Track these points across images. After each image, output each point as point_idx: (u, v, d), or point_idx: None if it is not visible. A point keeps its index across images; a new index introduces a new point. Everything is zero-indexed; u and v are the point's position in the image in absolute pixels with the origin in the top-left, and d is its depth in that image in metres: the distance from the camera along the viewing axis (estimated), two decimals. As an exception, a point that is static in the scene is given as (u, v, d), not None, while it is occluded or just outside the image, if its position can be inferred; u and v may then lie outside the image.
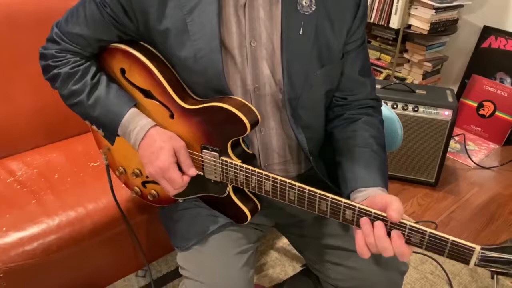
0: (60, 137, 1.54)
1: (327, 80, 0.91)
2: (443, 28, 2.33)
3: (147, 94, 0.91)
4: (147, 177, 1.01)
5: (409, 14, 2.31)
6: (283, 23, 0.83)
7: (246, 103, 0.84)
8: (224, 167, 0.86)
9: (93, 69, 0.91)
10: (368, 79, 0.98)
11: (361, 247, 0.75)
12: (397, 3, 2.28)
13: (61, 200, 1.22)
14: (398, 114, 1.90)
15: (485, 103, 2.47)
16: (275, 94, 0.89)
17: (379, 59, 2.68)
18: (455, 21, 2.38)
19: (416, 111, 1.91)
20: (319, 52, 0.87)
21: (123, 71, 0.91)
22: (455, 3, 2.27)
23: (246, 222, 0.94)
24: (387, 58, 2.64)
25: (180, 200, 1.00)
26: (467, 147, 2.38)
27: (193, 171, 0.86)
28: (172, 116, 0.89)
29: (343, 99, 0.97)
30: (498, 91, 2.42)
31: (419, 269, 1.62)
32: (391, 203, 0.73)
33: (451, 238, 0.70)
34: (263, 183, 0.83)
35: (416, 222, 0.76)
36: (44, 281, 1.18)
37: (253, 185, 0.85)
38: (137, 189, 1.07)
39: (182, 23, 0.81)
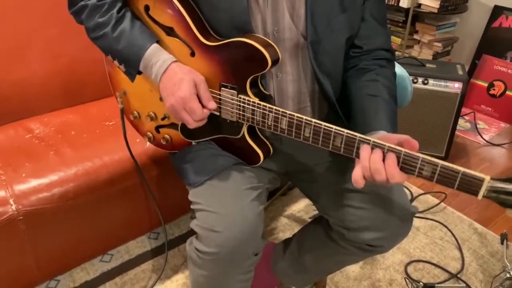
0: (76, 102, 1.58)
1: (348, 26, 0.93)
2: (453, 7, 2.34)
3: (169, 32, 0.93)
4: (162, 119, 1.04)
5: (420, -7, 2.33)
6: None
7: (268, 40, 0.86)
8: (241, 105, 0.88)
9: (119, 4, 0.93)
10: (384, 29, 0.99)
11: (356, 173, 0.77)
12: (408, -19, 2.30)
13: (78, 152, 1.26)
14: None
15: (495, 83, 2.46)
16: (295, 39, 0.91)
17: (389, 41, 2.69)
18: (465, 0, 2.38)
19: (426, 84, 1.92)
20: None
21: (147, 8, 0.94)
22: (465, -19, 2.28)
23: (259, 164, 0.96)
24: (397, 40, 2.65)
25: (193, 143, 1.02)
26: (477, 125, 2.38)
27: (212, 104, 0.88)
28: (192, 54, 0.91)
29: (359, 48, 0.98)
30: (509, 70, 2.41)
31: (429, 235, 1.63)
32: (408, 138, 0.75)
33: (462, 169, 0.71)
34: (279, 121, 0.85)
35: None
36: (61, 228, 1.22)
37: (269, 123, 0.87)
38: (150, 135, 1.09)
39: None
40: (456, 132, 2.15)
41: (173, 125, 1.04)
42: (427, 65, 1.99)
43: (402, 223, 0.99)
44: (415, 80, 1.93)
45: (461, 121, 2.39)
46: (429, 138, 2.03)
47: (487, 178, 0.70)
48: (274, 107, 0.85)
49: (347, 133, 0.78)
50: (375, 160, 0.75)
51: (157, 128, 1.08)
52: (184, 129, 1.00)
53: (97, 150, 1.28)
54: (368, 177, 0.76)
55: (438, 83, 1.91)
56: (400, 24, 2.60)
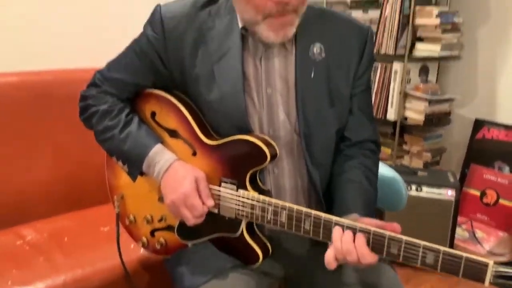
0: (74, 208, 1.57)
1: (337, 118, 1.00)
2: (437, 120, 2.48)
3: (172, 134, 0.99)
4: (159, 221, 1.03)
5: (404, 107, 2.49)
6: (297, 68, 0.95)
7: (265, 136, 0.92)
8: (241, 199, 0.90)
9: (127, 110, 1.01)
10: (371, 122, 1.06)
11: (328, 255, 0.80)
12: (392, 97, 2.48)
13: (69, 259, 1.23)
14: (402, 195, 1.93)
15: (487, 191, 2.50)
16: (290, 136, 0.97)
17: (379, 152, 2.79)
18: (448, 114, 2.54)
19: (420, 191, 1.96)
20: (329, 93, 0.97)
21: (153, 114, 1.02)
22: (445, 97, 2.46)
23: (258, 263, 0.93)
24: (387, 151, 2.75)
25: (189, 244, 1.00)
26: (476, 234, 2.36)
27: (211, 202, 0.90)
28: (194, 154, 0.96)
29: (349, 140, 1.03)
30: (499, 179, 2.47)
31: None
32: (387, 223, 0.79)
33: (465, 254, 0.72)
34: (279, 214, 0.86)
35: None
36: None
37: (268, 217, 0.87)
38: (145, 239, 1.08)
39: (210, 71, 0.94)
40: (456, 242, 2.13)
41: (169, 228, 1.03)
42: (419, 173, 2.05)
43: None
44: (409, 188, 1.96)
45: (459, 230, 2.36)
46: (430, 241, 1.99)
47: (491, 262, 0.71)
48: (274, 201, 0.87)
49: (347, 223, 0.79)
50: (346, 240, 0.78)
51: (152, 232, 1.07)
52: (180, 230, 0.99)
53: (89, 257, 1.24)
54: (340, 259, 0.79)
55: (431, 190, 1.95)
56: (389, 136, 2.72)
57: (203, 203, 0.89)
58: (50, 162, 1.56)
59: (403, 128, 2.65)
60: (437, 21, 2.29)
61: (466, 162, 2.64)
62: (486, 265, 0.70)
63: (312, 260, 1.01)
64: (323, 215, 0.81)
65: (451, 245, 1.97)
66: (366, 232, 0.78)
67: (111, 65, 1.04)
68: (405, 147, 2.69)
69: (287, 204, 0.85)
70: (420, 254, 0.74)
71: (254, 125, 0.95)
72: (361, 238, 0.77)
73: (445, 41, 2.36)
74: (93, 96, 1.02)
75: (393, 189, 1.29)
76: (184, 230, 0.99)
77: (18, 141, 1.49)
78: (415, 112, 2.45)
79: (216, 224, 0.95)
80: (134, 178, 1.01)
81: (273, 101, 0.96)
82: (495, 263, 0.71)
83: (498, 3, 2.40)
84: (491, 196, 2.49)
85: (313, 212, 0.82)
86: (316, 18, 0.97)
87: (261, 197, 0.88)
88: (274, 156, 0.90)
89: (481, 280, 0.71)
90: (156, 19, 0.97)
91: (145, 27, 1.00)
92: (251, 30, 0.92)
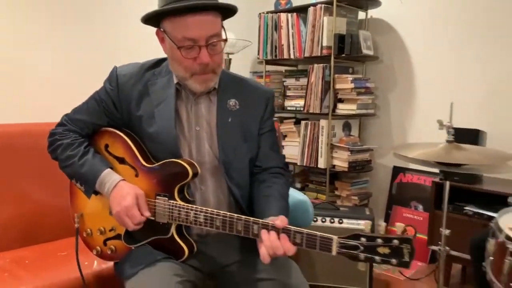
0: (32, 243, 1.78)
1: (249, 151, 1.34)
2: (360, 167, 2.89)
3: (121, 161, 1.30)
4: (109, 230, 1.30)
5: (332, 157, 2.89)
6: (218, 115, 1.30)
7: (189, 159, 1.24)
8: (171, 208, 1.20)
9: (86, 143, 1.32)
10: (276, 154, 1.41)
11: (262, 252, 1.06)
12: (321, 148, 2.89)
13: (31, 274, 1.45)
14: (326, 227, 2.29)
15: (407, 228, 2.85)
16: (213, 162, 1.29)
17: (316, 198, 3.15)
18: (369, 161, 2.96)
19: (341, 223, 2.29)
20: (243, 133, 1.32)
21: (106, 146, 1.33)
22: (364, 147, 2.90)
23: (184, 257, 1.21)
24: (322, 197, 3.11)
25: (133, 247, 1.27)
26: (398, 265, 2.67)
27: (147, 213, 1.19)
28: (137, 175, 1.26)
29: (259, 167, 1.37)
30: (415, 217, 2.86)
31: None
32: (277, 218, 1.10)
33: (319, 233, 1.04)
34: (198, 216, 1.16)
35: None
36: None
37: (191, 219, 1.17)
38: (98, 248, 1.34)
39: (151, 112, 1.27)
40: (377, 270, 2.43)
41: (118, 236, 1.30)
42: (341, 208, 2.39)
43: None
44: (332, 221, 2.29)
45: (383, 262, 2.67)
46: (353, 274, 2.28)
47: (335, 237, 1.01)
48: (194, 207, 1.17)
49: (244, 218, 1.10)
50: (273, 239, 1.06)
51: (105, 241, 1.33)
52: (126, 237, 1.26)
53: (50, 271, 1.46)
54: (271, 254, 1.05)
55: (350, 221, 2.28)
56: (323, 184, 3.10)
57: (142, 214, 1.18)
58: (11, 204, 1.77)
59: (335, 176, 3.05)
60: (352, 85, 2.78)
61: (389, 203, 3.03)
62: (331, 239, 1.02)
63: (232, 259, 1.30)
64: (228, 213, 1.12)
65: (371, 272, 2.27)
66: (287, 230, 1.06)
67: (76, 110, 1.37)
68: (336, 192, 3.06)
69: (204, 208, 1.15)
70: (292, 235, 1.06)
71: (184, 153, 1.28)
72: (284, 236, 1.05)
73: (360, 101, 2.85)
74: (59, 133, 1.33)
75: (302, 209, 1.61)
76: (129, 236, 1.27)
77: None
78: (341, 161, 2.85)
79: (153, 230, 1.23)
80: (89, 196, 1.28)
81: (200, 136, 1.30)
82: (339, 237, 1.02)
83: (402, 73, 2.95)
84: (410, 232, 2.84)
85: (222, 212, 1.14)
86: (233, 82, 1.36)
87: (186, 205, 1.18)
88: (195, 174, 1.21)
89: (330, 250, 1.02)
90: (113, 76, 1.32)
91: (105, 82, 1.34)
92: (183, 84, 1.27)
